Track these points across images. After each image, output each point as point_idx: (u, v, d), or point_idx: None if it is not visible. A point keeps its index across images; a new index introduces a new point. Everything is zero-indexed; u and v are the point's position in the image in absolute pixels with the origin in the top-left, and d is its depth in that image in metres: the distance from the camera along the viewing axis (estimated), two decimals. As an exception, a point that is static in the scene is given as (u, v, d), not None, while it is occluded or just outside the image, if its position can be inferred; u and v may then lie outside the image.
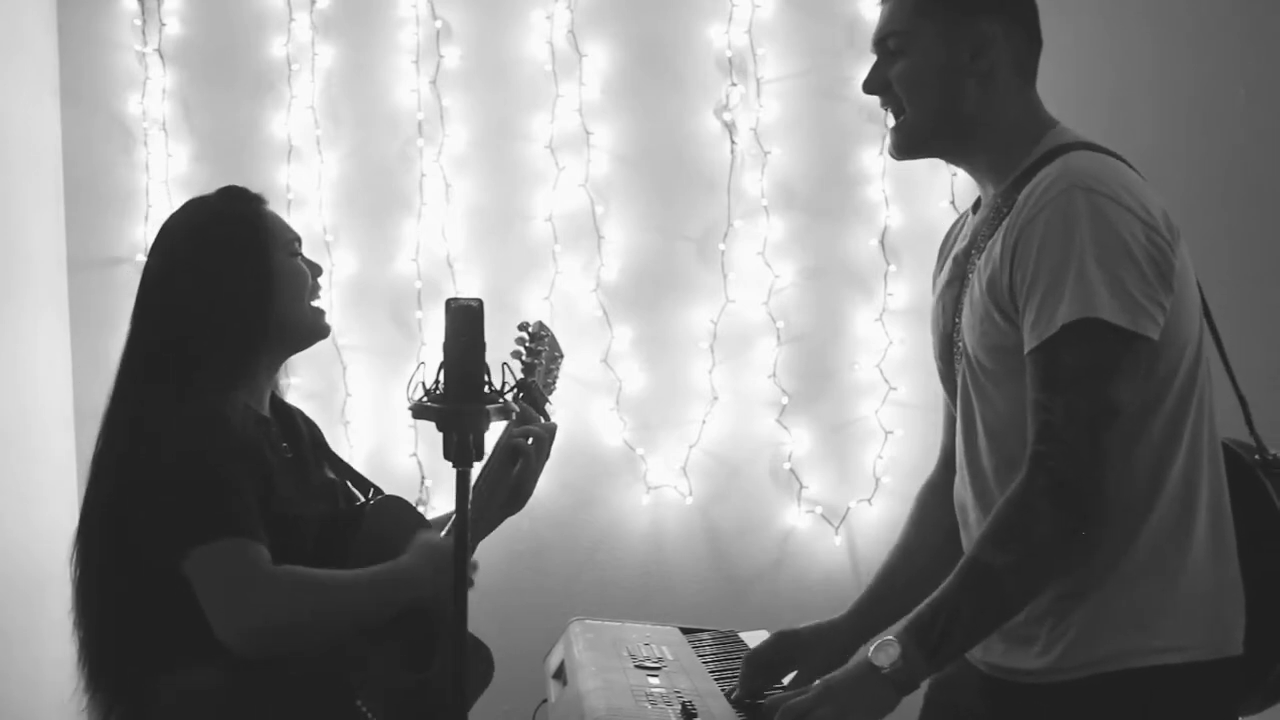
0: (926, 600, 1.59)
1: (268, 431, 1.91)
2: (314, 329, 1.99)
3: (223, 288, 1.88)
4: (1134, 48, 3.12)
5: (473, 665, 1.96)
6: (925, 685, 1.85)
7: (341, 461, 2.12)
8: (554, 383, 2.17)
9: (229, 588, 1.73)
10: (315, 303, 1.99)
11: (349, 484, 2.09)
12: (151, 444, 1.78)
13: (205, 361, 1.85)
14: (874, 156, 3.16)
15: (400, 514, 2.00)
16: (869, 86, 1.77)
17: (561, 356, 2.20)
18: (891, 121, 1.77)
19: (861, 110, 3.16)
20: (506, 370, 1.90)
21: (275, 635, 1.74)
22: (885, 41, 1.73)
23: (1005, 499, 1.56)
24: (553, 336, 2.18)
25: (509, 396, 1.63)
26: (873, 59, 1.76)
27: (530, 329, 2.17)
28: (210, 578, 1.73)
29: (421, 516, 2.06)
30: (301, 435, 2.04)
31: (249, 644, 1.73)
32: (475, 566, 1.96)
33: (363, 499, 2.06)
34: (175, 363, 1.85)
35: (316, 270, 2.00)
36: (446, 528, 1.99)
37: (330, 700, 1.80)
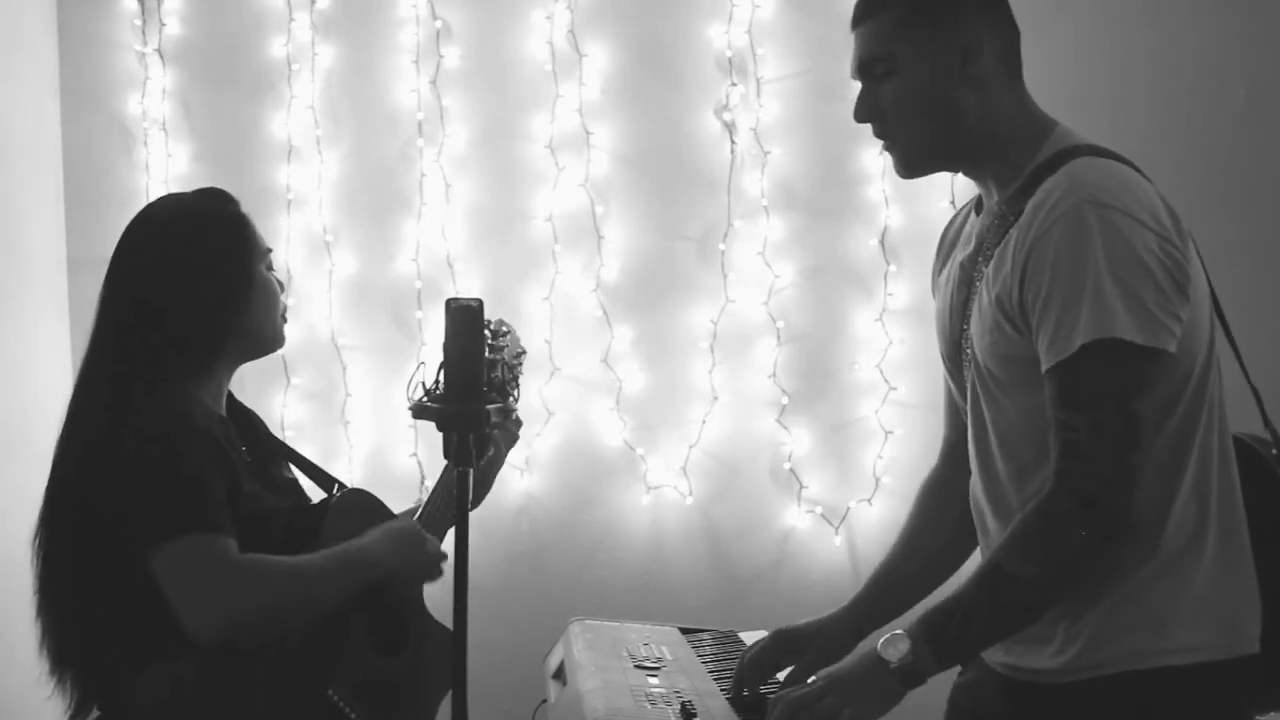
0: (944, 598, 1.59)
1: (227, 432, 1.92)
2: (276, 340, 2.01)
3: (204, 286, 1.89)
4: (1133, 47, 3.12)
5: (446, 656, 1.97)
6: (949, 690, 1.86)
7: (302, 457, 2.13)
8: (517, 379, 2.19)
9: (197, 583, 1.73)
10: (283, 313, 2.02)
11: (310, 478, 2.11)
12: (117, 438, 1.79)
13: (173, 357, 1.85)
14: (874, 156, 3.16)
15: (366, 507, 2.02)
16: (860, 115, 1.72)
17: (524, 353, 2.23)
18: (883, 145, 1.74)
19: (861, 110, 3.15)
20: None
21: (245, 626, 1.75)
22: (871, 67, 1.69)
23: (1031, 509, 1.55)
24: (514, 334, 2.19)
25: None
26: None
27: (492, 326, 2.18)
28: (178, 573, 1.73)
29: (386, 509, 2.08)
30: (259, 435, 2.05)
31: (219, 636, 1.74)
32: (444, 556, 1.97)
33: (326, 494, 2.08)
34: (143, 355, 1.85)
35: (282, 285, 2.03)
36: (418, 514, 2.02)
37: (302, 690, 1.81)
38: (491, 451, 2.09)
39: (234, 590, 1.74)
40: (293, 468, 2.10)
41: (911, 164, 1.73)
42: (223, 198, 1.98)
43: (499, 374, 2.09)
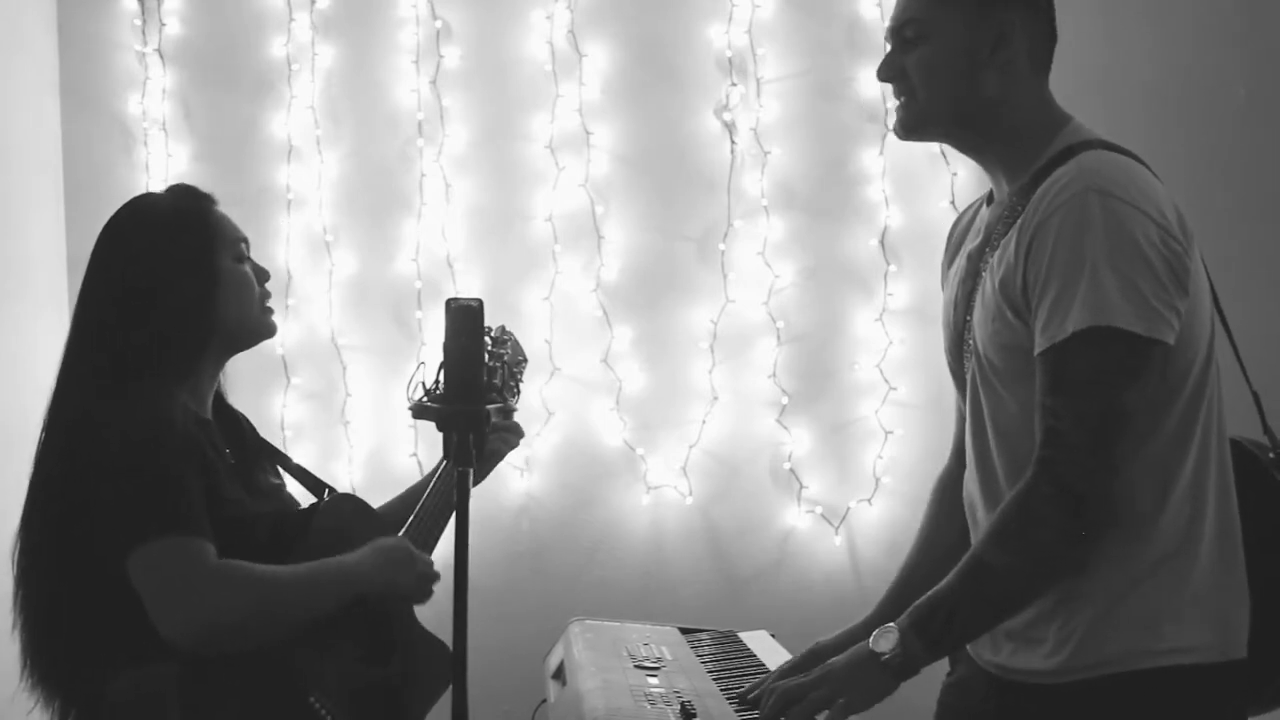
0: (929, 592, 1.61)
1: (209, 434, 1.90)
2: (258, 331, 1.97)
3: (167, 288, 1.86)
4: (1133, 46, 3.12)
5: (434, 665, 1.97)
6: (938, 690, 1.86)
7: (291, 461, 2.11)
8: (516, 386, 2.19)
9: (173, 586, 1.71)
10: (267, 303, 1.98)
11: (299, 483, 2.09)
12: (95, 441, 1.77)
13: (147, 361, 1.84)
14: (874, 156, 3.16)
15: (353, 512, 2.01)
16: (884, 73, 1.74)
17: (525, 360, 2.22)
18: (897, 126, 1.76)
19: (861, 110, 3.16)
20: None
21: (220, 632, 1.73)
22: (903, 29, 1.71)
23: (1010, 500, 1.57)
24: (515, 341, 2.19)
25: None
26: (881, 51, 1.76)
27: (492, 333, 2.17)
28: (153, 576, 1.72)
29: (376, 515, 2.06)
30: (245, 438, 2.03)
31: (194, 641, 1.72)
32: (436, 576, 1.94)
33: (316, 498, 2.05)
34: (118, 361, 1.84)
35: (264, 275, 1.98)
36: (405, 529, 1.99)
37: (284, 696, 1.80)
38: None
39: (210, 595, 1.72)
40: (282, 472, 2.08)
41: (911, 124, 1.73)
42: (183, 194, 1.96)
43: (499, 380, 2.09)
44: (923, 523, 1.95)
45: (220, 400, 2.02)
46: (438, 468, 2.11)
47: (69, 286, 3.32)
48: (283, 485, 2.05)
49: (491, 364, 2.12)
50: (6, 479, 3.02)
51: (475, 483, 2.13)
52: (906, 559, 1.94)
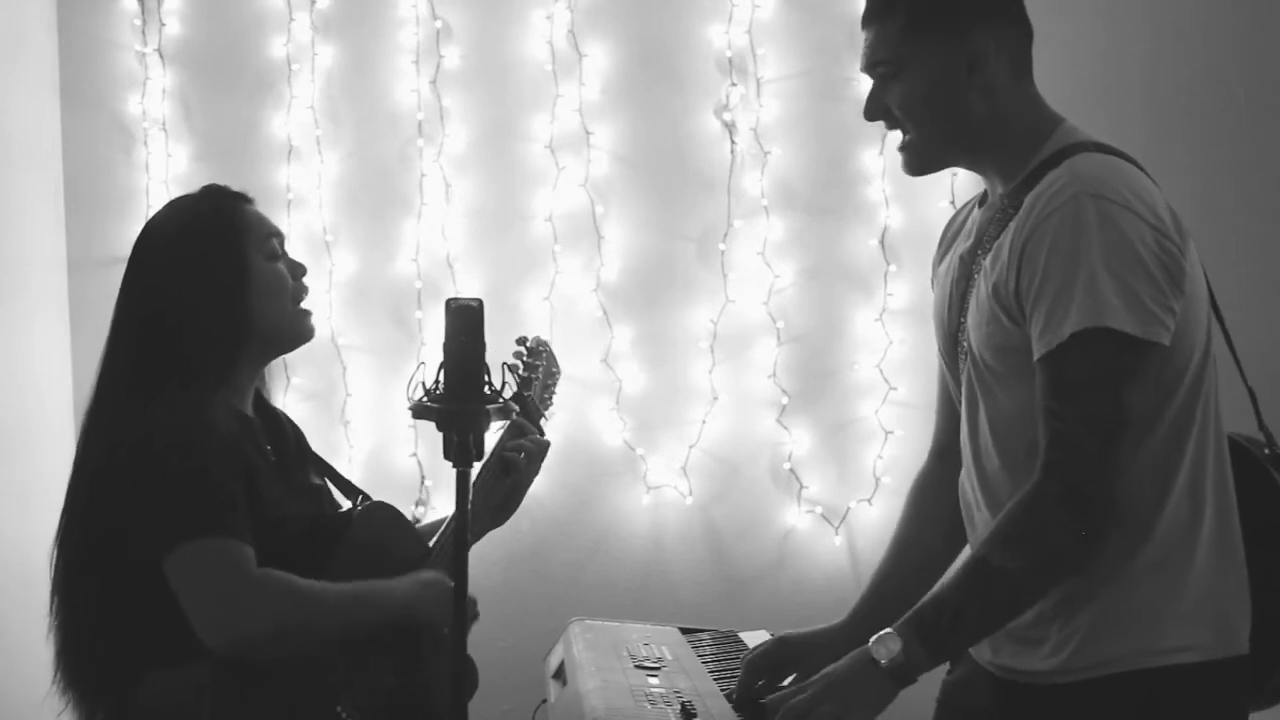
0: (930, 594, 1.61)
1: (251, 432, 1.90)
2: (296, 333, 1.96)
3: (197, 291, 1.86)
4: (1133, 46, 3.12)
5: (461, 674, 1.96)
6: (937, 688, 1.86)
7: (328, 465, 2.10)
8: (550, 398, 2.18)
9: (210, 588, 1.72)
10: (302, 304, 1.96)
11: (335, 488, 2.08)
12: (133, 446, 1.77)
13: (185, 363, 1.83)
14: (874, 156, 3.16)
15: (389, 521, 1.99)
16: (869, 114, 1.76)
17: (559, 373, 2.21)
18: (898, 139, 1.76)
19: (861, 110, 3.15)
20: (506, 372, 1.91)
21: (256, 639, 1.73)
22: (875, 69, 1.72)
23: (1016, 501, 1.57)
24: (551, 352, 2.18)
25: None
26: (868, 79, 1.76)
27: (529, 344, 2.17)
28: (191, 577, 1.72)
29: (411, 525, 2.05)
30: (286, 438, 2.02)
31: (229, 645, 1.72)
32: (475, 604, 1.93)
33: (351, 504, 2.05)
34: (155, 364, 1.84)
35: (299, 270, 1.97)
36: (437, 537, 1.97)
37: (310, 705, 1.79)
38: (511, 479, 2.04)
39: (246, 601, 1.72)
40: (319, 476, 2.07)
41: (916, 164, 1.75)
42: (212, 195, 1.95)
43: (534, 392, 2.08)
44: (898, 528, 1.94)
45: (261, 399, 2.01)
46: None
47: (68, 286, 3.32)
48: (324, 486, 2.05)
49: (526, 375, 2.11)
50: (5, 479, 3.03)
51: (498, 519, 2.09)
52: (881, 565, 1.93)
